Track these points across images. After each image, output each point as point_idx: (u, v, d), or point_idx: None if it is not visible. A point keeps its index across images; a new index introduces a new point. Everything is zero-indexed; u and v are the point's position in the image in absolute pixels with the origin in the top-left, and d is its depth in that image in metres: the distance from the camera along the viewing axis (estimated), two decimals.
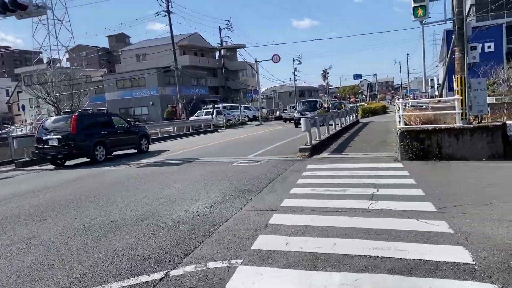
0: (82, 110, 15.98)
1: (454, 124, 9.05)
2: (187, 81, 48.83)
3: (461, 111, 9.11)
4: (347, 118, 21.40)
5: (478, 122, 9.17)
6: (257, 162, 10.77)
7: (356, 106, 31.26)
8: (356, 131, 18.52)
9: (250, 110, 48.98)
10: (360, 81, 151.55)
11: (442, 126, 8.99)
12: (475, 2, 51.30)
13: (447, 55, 31.45)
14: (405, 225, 4.62)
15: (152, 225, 5.46)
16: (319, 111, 25.59)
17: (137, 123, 18.48)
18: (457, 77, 9.24)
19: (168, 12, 39.11)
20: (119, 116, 17.46)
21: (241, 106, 44.34)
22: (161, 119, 42.57)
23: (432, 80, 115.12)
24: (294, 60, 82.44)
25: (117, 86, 48.30)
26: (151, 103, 46.01)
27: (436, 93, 53.52)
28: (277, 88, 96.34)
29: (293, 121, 30.64)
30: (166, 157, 13.73)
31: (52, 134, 13.41)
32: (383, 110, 39.11)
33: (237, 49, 63.97)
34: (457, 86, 9.20)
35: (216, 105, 44.39)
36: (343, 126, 18.83)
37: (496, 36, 45.44)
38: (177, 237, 4.83)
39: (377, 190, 6.48)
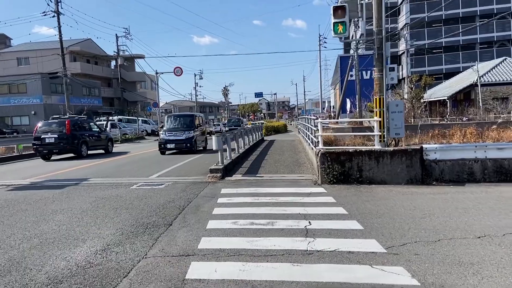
0: (69, 116, 20.08)
1: (374, 147, 8.72)
2: (77, 90, 44.43)
3: (380, 133, 8.84)
4: (253, 136, 20.83)
5: (395, 145, 9.00)
6: (161, 184, 9.27)
7: (261, 124, 30.96)
8: (265, 149, 17.93)
9: (149, 124, 46.29)
10: (259, 100, 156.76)
11: (363, 148, 8.59)
12: (365, 32, 56.22)
13: (345, 79, 33.36)
14: (360, 275, 3.70)
15: (15, 284, 3.76)
16: (196, 131, 17.87)
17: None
18: (376, 98, 8.99)
19: (57, 12, 35.03)
20: (94, 122, 22.31)
21: (138, 120, 41.51)
22: None
23: (323, 102, 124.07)
24: (195, 75, 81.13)
25: None
26: (33, 112, 40.64)
27: (332, 114, 56.84)
28: (177, 103, 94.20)
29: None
30: (47, 177, 11.36)
31: (49, 133, 17.03)
32: (285, 129, 39.98)
33: (135, 60, 60.61)
34: (376, 107, 8.94)
35: (110, 118, 40.92)
36: (250, 144, 18.12)
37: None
38: None
39: (309, 222, 5.56)
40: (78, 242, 5.05)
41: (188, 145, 17.10)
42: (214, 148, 10.53)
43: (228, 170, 10.65)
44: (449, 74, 46.42)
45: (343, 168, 8.44)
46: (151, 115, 49.24)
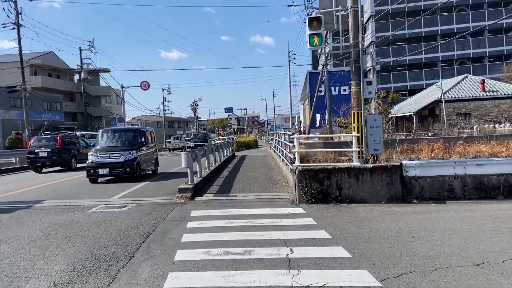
0: (60, 132, 21.76)
1: (353, 163, 8.30)
2: (38, 105, 42.40)
3: (358, 149, 8.45)
4: (224, 151, 20.19)
5: (374, 162, 8.63)
6: (124, 206, 8.46)
7: (232, 139, 30.17)
8: (236, 166, 17.32)
9: None
10: (229, 115, 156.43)
11: (342, 165, 8.15)
12: (332, 49, 57.18)
13: (315, 94, 33.46)
14: None
15: None
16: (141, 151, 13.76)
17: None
18: (353, 113, 8.63)
19: (17, 24, 33.35)
20: (82, 138, 23.87)
21: None
22: (2, 147, 35.57)
23: (293, 117, 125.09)
24: (163, 90, 79.88)
25: None
26: None
27: (301, 129, 56.96)
28: (144, 118, 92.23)
29: (173, 151, 28.12)
30: (3, 197, 10.25)
31: (42, 148, 18.37)
32: (256, 144, 39.56)
33: (100, 73, 58.89)
34: (354, 122, 8.57)
35: (71, 133, 39.19)
36: (221, 160, 17.48)
37: (349, 81, 50.30)
38: None
39: (291, 250, 4.99)
40: (21, 281, 4.25)
41: (128, 169, 12.96)
42: (183, 166, 9.81)
43: (198, 189, 9.97)
44: (414, 91, 47.68)
45: (321, 187, 7.95)
46: None
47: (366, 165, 8.08)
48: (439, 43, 46.27)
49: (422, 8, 49.76)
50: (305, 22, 30.13)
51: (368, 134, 8.47)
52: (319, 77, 33.46)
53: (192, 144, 34.74)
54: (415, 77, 50.60)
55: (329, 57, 33.14)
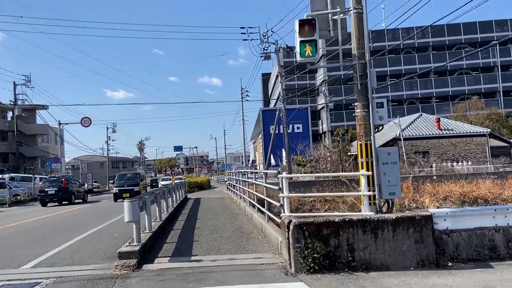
0: (62, 175, 29.98)
1: (366, 213, 6.12)
2: None
3: (370, 192, 6.31)
4: (177, 194, 17.41)
5: (388, 210, 6.51)
6: (35, 285, 5.60)
7: (184, 181, 26.56)
8: (192, 212, 14.60)
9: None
10: (177, 155, 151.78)
11: (354, 216, 5.93)
12: (284, 87, 56.85)
13: (273, 131, 31.82)
14: None
15: None
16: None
17: None
18: (360, 144, 6.57)
19: None
20: (76, 179, 31.39)
21: (35, 178, 35.33)
22: None
23: (242, 156, 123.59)
24: (108, 128, 75.28)
25: None
26: None
27: (253, 168, 54.89)
28: (87, 158, 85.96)
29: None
30: None
31: (50, 187, 24.51)
32: (208, 184, 36.60)
33: (37, 110, 54.03)
34: (362, 157, 6.48)
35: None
36: (174, 205, 14.72)
37: (303, 118, 49.73)
38: None
39: None
40: None
41: None
42: (126, 220, 7.09)
43: (147, 251, 7.27)
44: None
45: (327, 248, 5.64)
46: (52, 172, 42.65)
47: (385, 215, 5.92)
48: (389, 84, 47.36)
49: (372, 50, 51.23)
50: (261, 57, 28.70)
51: (381, 172, 6.39)
52: (277, 113, 31.99)
53: (115, 190, 26.20)
54: None
55: (282, 94, 31.93)
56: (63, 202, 24.57)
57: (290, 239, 5.75)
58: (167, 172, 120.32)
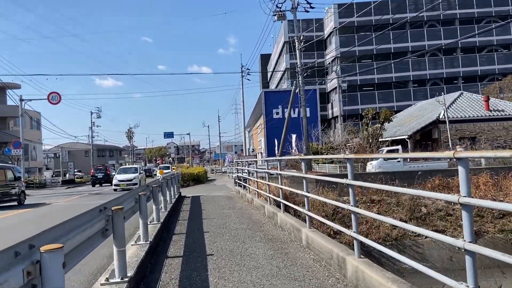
0: None
1: None
2: None
3: None
4: (171, 191, 11.36)
5: None
6: None
7: (178, 174, 19.21)
8: (196, 231, 8.49)
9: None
10: (168, 144, 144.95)
11: None
12: (289, 66, 50.67)
13: (288, 112, 25.81)
14: None
15: None
16: None
17: None
18: None
19: None
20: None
21: None
22: None
23: (235, 146, 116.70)
24: (92, 113, 68.53)
25: None
26: None
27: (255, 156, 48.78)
28: (70, 145, 78.93)
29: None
30: None
31: None
32: (206, 177, 30.16)
33: (7, 90, 47.10)
34: None
35: None
36: (168, 209, 8.65)
37: (310, 101, 43.29)
38: None
39: None
40: None
41: None
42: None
43: None
44: None
45: None
46: (19, 160, 35.81)
47: None
48: (410, 57, 41.44)
49: (391, 22, 45.17)
50: (274, 16, 22.33)
51: None
52: (293, 89, 25.80)
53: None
54: (384, 99, 45.05)
55: (299, 64, 25.75)
56: None
57: None
58: (157, 162, 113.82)
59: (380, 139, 25.44)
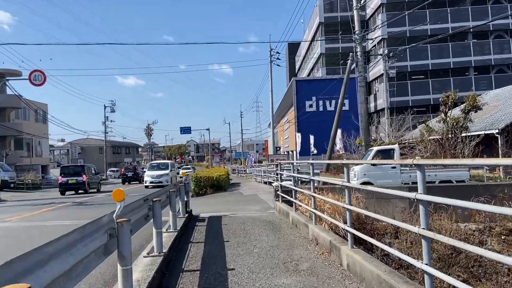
0: None
1: None
2: None
3: None
4: (171, 217, 5.23)
5: None
6: None
7: (188, 181, 11.29)
8: None
9: (4, 170, 28.22)
10: (187, 142, 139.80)
11: None
12: (324, 51, 43.85)
13: (340, 101, 19.36)
14: None
15: None
16: None
17: None
18: None
19: None
20: None
21: None
22: None
23: (257, 144, 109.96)
24: (105, 107, 63.35)
25: None
26: None
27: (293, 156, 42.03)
28: (83, 142, 74.13)
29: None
30: None
31: None
32: (228, 181, 23.41)
33: (6, 78, 41.97)
34: None
35: None
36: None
37: (350, 92, 36.38)
38: None
39: None
40: None
41: None
42: None
43: None
44: (438, 106, 34.82)
45: None
46: (6, 156, 30.50)
47: None
48: (407, 48, 34.23)
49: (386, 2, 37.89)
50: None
51: None
52: (349, 62, 18.99)
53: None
54: (440, 88, 37.72)
55: (357, 26, 19.23)
56: None
57: None
58: (177, 160, 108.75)
59: (465, 133, 18.68)
